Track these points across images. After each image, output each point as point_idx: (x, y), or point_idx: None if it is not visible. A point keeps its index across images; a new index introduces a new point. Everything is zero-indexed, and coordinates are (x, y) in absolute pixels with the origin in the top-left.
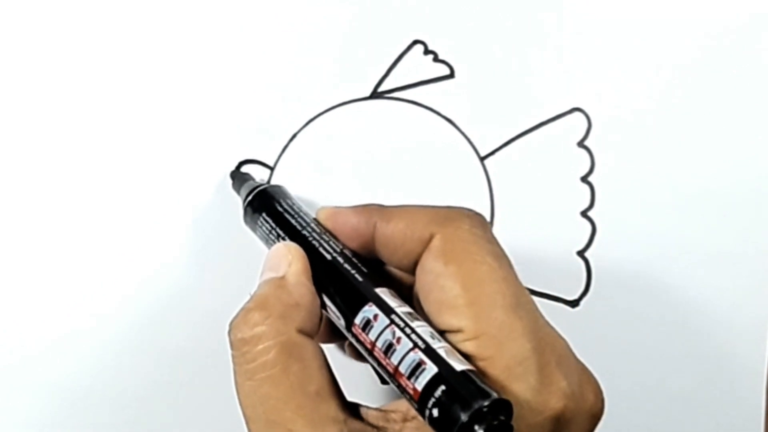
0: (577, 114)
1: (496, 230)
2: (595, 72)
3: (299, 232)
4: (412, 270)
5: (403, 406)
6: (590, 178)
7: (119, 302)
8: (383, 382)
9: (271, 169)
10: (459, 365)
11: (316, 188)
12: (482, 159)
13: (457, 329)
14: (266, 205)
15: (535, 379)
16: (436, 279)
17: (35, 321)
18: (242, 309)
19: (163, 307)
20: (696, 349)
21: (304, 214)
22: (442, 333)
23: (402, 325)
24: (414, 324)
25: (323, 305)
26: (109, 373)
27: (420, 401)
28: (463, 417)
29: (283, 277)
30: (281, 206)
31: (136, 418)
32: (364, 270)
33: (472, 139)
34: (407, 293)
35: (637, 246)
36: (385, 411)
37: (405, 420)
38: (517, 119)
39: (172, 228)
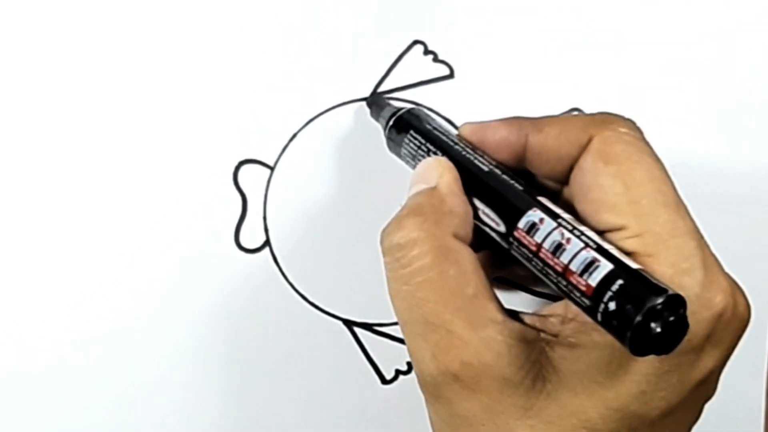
0: (575, 114)
1: None
2: (595, 72)
3: (452, 146)
4: (564, 177)
5: (559, 309)
6: None
7: (117, 302)
8: (384, 382)
9: (271, 169)
10: (633, 264)
11: (316, 188)
12: None
13: (619, 227)
14: (414, 125)
15: (701, 274)
16: (596, 178)
17: (39, 320)
18: (395, 217)
19: (160, 306)
20: None
21: (451, 132)
22: (602, 233)
23: (570, 228)
24: (582, 228)
25: (476, 215)
26: (111, 372)
27: (593, 296)
28: (645, 308)
29: (435, 187)
30: (429, 125)
31: (138, 418)
32: (521, 180)
33: None
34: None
35: None
36: (541, 315)
37: (563, 323)
38: None
39: (172, 228)
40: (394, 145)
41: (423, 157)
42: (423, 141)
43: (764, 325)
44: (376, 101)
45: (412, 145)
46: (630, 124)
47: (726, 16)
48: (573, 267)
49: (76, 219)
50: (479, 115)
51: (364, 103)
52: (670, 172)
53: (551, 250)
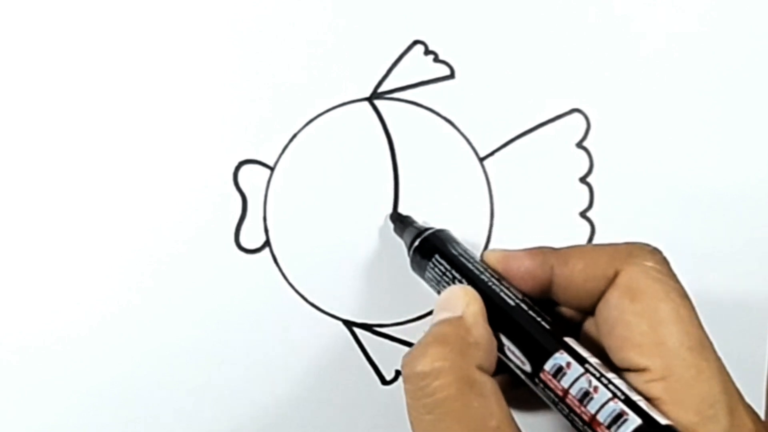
0: (575, 115)
1: (496, 231)
2: (594, 72)
3: (478, 276)
4: (590, 309)
5: None
6: (589, 179)
7: (117, 302)
8: (384, 382)
9: (271, 169)
10: (662, 419)
11: (316, 188)
12: (482, 160)
13: (643, 368)
14: (439, 249)
15: (727, 421)
16: (621, 315)
17: (39, 319)
18: (419, 344)
19: (159, 306)
20: None
21: (475, 258)
22: (624, 371)
23: (598, 375)
24: (609, 375)
25: (501, 348)
26: (110, 372)
27: None
28: None
29: (460, 317)
30: (455, 250)
31: (137, 417)
32: (548, 318)
33: (472, 140)
34: (578, 333)
35: None
36: None
37: None
38: (516, 120)
39: (172, 228)
40: (417, 267)
41: (448, 283)
42: (448, 267)
43: (764, 325)
44: (400, 217)
45: (437, 270)
46: (657, 257)
47: (726, 15)
48: (600, 418)
49: (76, 219)
50: (479, 115)
51: (364, 103)
52: (669, 172)
53: (578, 397)
